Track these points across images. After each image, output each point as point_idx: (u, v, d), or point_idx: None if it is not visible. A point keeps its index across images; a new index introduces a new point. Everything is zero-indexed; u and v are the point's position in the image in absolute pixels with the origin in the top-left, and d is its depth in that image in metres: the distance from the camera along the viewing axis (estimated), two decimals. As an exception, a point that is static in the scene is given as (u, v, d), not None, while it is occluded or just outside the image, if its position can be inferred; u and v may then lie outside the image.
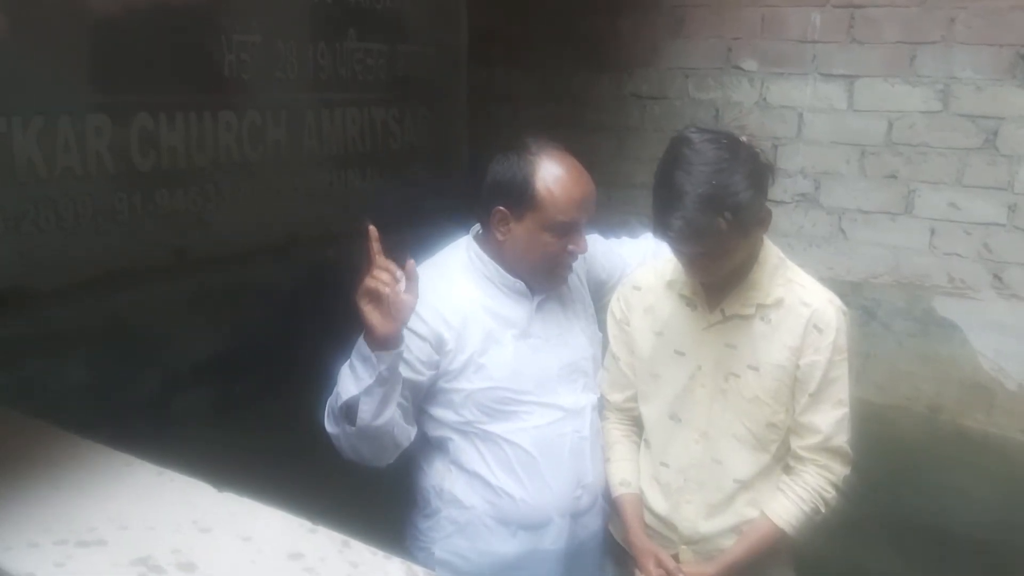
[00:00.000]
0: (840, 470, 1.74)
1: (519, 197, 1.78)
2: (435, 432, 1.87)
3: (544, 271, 1.85)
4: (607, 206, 3.41)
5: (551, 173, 1.78)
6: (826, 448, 1.72)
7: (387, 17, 3.18)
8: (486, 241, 1.88)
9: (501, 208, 1.79)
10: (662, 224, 1.61)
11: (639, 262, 2.07)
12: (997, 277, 2.72)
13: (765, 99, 3.02)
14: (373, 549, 1.08)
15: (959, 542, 2.59)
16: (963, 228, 2.75)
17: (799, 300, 1.71)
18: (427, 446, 1.90)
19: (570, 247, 1.82)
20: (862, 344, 2.93)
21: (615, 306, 1.95)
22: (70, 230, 2.21)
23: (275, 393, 2.53)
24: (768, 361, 1.71)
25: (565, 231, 1.79)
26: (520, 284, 1.87)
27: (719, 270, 1.68)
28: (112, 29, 2.26)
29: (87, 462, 1.28)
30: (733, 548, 1.77)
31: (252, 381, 2.55)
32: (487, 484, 1.84)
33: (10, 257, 2.09)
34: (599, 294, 2.08)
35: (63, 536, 1.09)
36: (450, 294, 1.82)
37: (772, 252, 1.76)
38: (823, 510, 1.74)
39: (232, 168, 2.63)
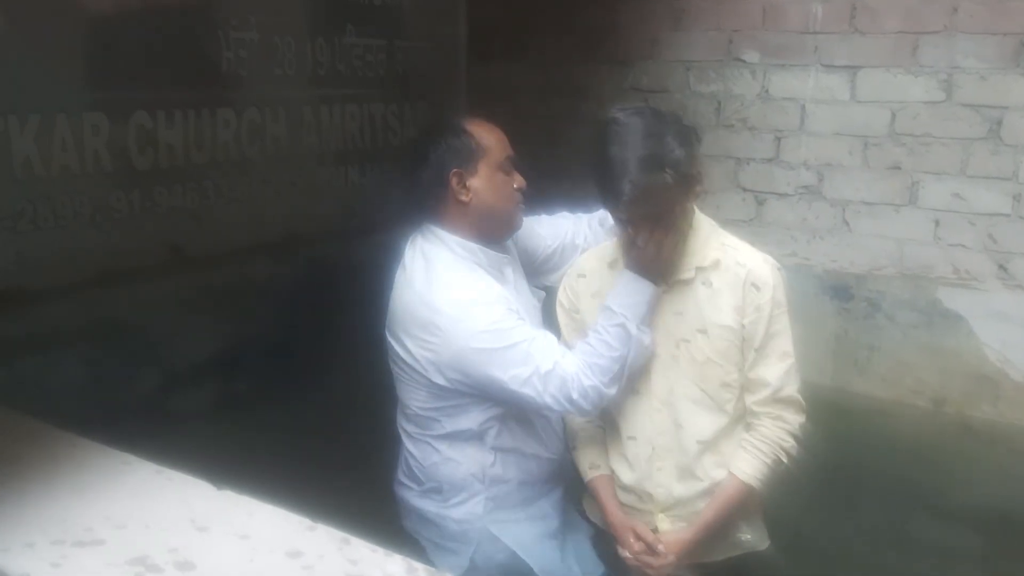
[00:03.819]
0: (794, 419, 1.83)
1: (467, 153, 1.98)
2: (476, 423, 1.98)
3: (508, 214, 2.04)
4: (609, 200, 3.42)
5: (476, 125, 2.02)
6: (777, 399, 1.81)
7: (385, 12, 3.16)
8: (448, 224, 2.00)
9: (455, 170, 1.97)
10: (612, 194, 1.73)
11: (557, 235, 2.24)
12: (1002, 268, 2.70)
13: (767, 91, 3.00)
14: (373, 546, 1.07)
15: (965, 535, 2.57)
16: (967, 219, 2.73)
17: (735, 261, 1.82)
18: (458, 439, 2.01)
19: (516, 184, 2.04)
20: (866, 336, 2.92)
21: (563, 296, 2.04)
22: (68, 228, 2.20)
23: (274, 391, 2.51)
24: (715, 323, 1.80)
25: (510, 167, 2.03)
26: (502, 257, 2.04)
27: (667, 236, 1.78)
28: (109, 26, 2.25)
29: (84, 461, 1.27)
30: (705, 511, 1.86)
31: (251, 379, 2.53)
32: (523, 455, 2.03)
33: (8, 256, 2.07)
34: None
35: (59, 536, 1.08)
36: (491, 286, 1.95)
37: (704, 219, 1.88)
38: (784, 460, 1.82)
39: (231, 166, 2.61)
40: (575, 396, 1.82)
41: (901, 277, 2.86)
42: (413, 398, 2.03)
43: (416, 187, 2.03)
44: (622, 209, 1.74)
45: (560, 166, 3.49)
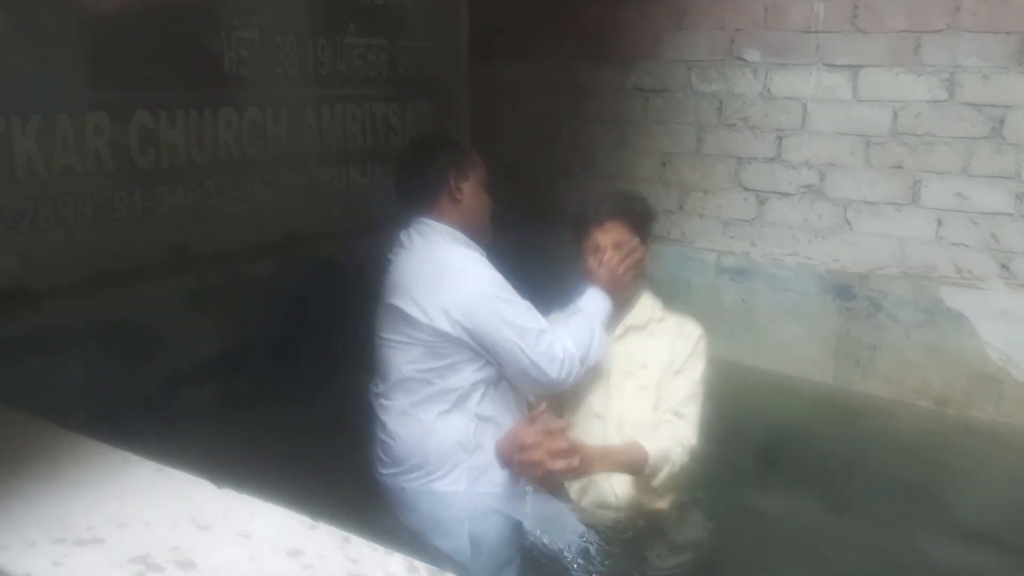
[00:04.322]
0: (688, 434, 2.07)
1: (463, 161, 2.25)
2: (467, 383, 2.12)
3: (485, 226, 2.29)
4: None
5: (463, 149, 2.34)
6: (677, 412, 2.11)
7: (387, 12, 3.16)
8: (440, 218, 2.20)
9: (453, 173, 2.22)
10: (593, 217, 2.19)
11: None
12: (1004, 267, 2.70)
13: (769, 90, 3.00)
14: (374, 545, 1.07)
15: (969, 534, 2.56)
16: (970, 218, 2.73)
17: (674, 320, 2.27)
18: (443, 405, 2.13)
19: (491, 205, 2.31)
20: (869, 336, 2.92)
21: None
22: (70, 228, 2.20)
23: (276, 390, 2.51)
24: (655, 359, 2.18)
25: (488, 189, 2.30)
26: (484, 253, 2.21)
27: (632, 270, 2.20)
28: (111, 26, 2.25)
29: (85, 459, 1.27)
30: (611, 448, 2.08)
31: (253, 378, 2.54)
32: (498, 426, 2.13)
33: (10, 256, 2.08)
34: None
35: (60, 534, 1.08)
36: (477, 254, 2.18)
37: (647, 290, 2.30)
38: (675, 458, 2.02)
39: (232, 165, 2.62)
40: (560, 355, 2.07)
41: (903, 276, 2.86)
42: (406, 360, 2.13)
43: (414, 180, 2.23)
44: (596, 233, 2.19)
45: (562, 164, 3.50)
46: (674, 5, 3.13)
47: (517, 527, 2.08)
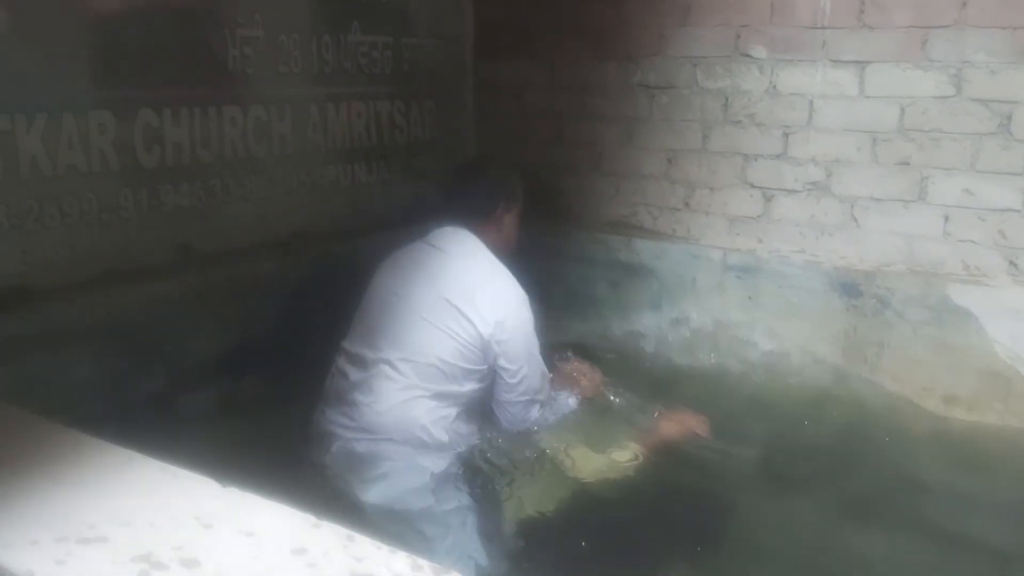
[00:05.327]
0: None
1: (515, 195, 2.49)
2: (471, 391, 2.29)
3: (511, 252, 2.47)
4: (616, 197, 3.41)
5: (519, 181, 2.54)
6: None
7: (392, 9, 3.16)
8: (483, 236, 2.38)
9: (502, 206, 2.44)
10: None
11: None
12: (1013, 264, 2.68)
13: (775, 86, 2.99)
14: (378, 543, 1.06)
15: (973, 535, 2.55)
16: (978, 214, 2.71)
17: None
18: (453, 408, 2.27)
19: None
20: (876, 333, 2.91)
21: None
22: (74, 227, 2.20)
23: (280, 389, 2.51)
24: None
25: (523, 216, 2.53)
26: None
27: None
28: (115, 25, 2.25)
29: (88, 458, 1.26)
30: None
31: (258, 377, 2.54)
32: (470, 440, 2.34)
33: (14, 255, 2.08)
34: None
35: (63, 533, 1.08)
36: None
37: None
38: None
39: (237, 164, 2.62)
40: (535, 417, 2.40)
41: (910, 274, 2.84)
42: (443, 349, 2.24)
43: (468, 198, 2.42)
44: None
45: (566, 162, 3.49)
46: (679, 1, 3.12)
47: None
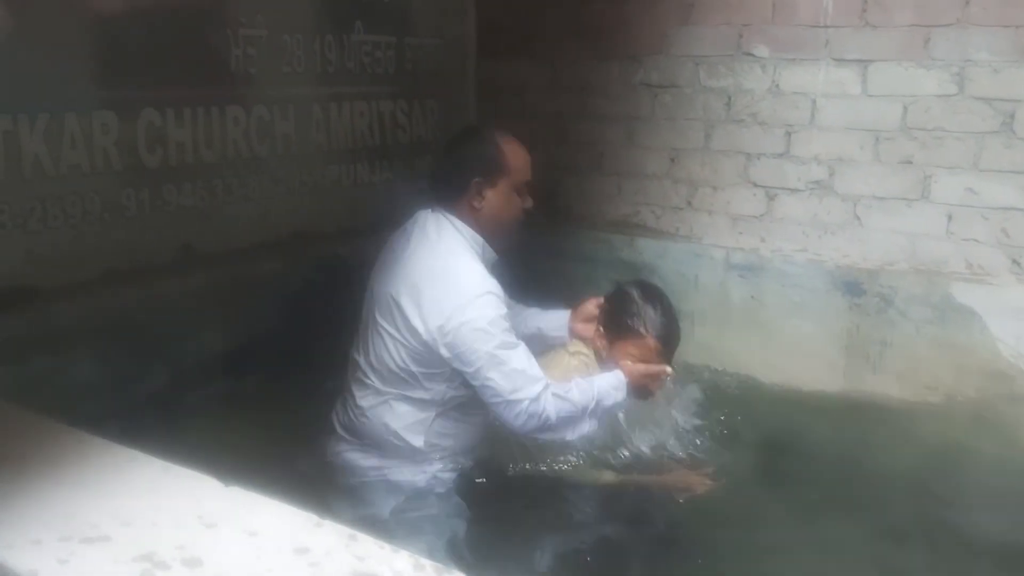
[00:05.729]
0: None
1: (492, 167, 2.18)
2: (444, 396, 2.16)
3: (510, 230, 2.24)
4: (618, 196, 3.41)
5: (508, 143, 2.21)
6: None
7: (394, 9, 3.16)
8: (460, 216, 2.18)
9: (477, 179, 2.16)
10: (673, 337, 2.35)
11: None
12: (1016, 262, 2.68)
13: (777, 85, 2.99)
14: (380, 543, 1.06)
15: (976, 534, 2.55)
16: (981, 213, 2.71)
17: None
18: (420, 412, 2.17)
19: (525, 205, 2.25)
20: (879, 332, 2.90)
21: None
22: (77, 227, 2.20)
23: (283, 389, 2.51)
24: None
25: (524, 190, 2.23)
26: (495, 259, 2.22)
27: (658, 389, 2.35)
28: (117, 25, 2.25)
29: (91, 457, 1.26)
30: None
31: (260, 377, 2.54)
32: (455, 445, 2.25)
33: (17, 254, 2.08)
34: None
35: (66, 532, 1.08)
36: (489, 278, 2.12)
37: None
38: None
39: (240, 163, 2.62)
40: (530, 411, 2.07)
41: (913, 272, 2.84)
42: (395, 354, 2.13)
43: (439, 177, 2.23)
44: (669, 350, 2.34)
45: (569, 161, 3.49)
46: (682, 0, 3.12)
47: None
